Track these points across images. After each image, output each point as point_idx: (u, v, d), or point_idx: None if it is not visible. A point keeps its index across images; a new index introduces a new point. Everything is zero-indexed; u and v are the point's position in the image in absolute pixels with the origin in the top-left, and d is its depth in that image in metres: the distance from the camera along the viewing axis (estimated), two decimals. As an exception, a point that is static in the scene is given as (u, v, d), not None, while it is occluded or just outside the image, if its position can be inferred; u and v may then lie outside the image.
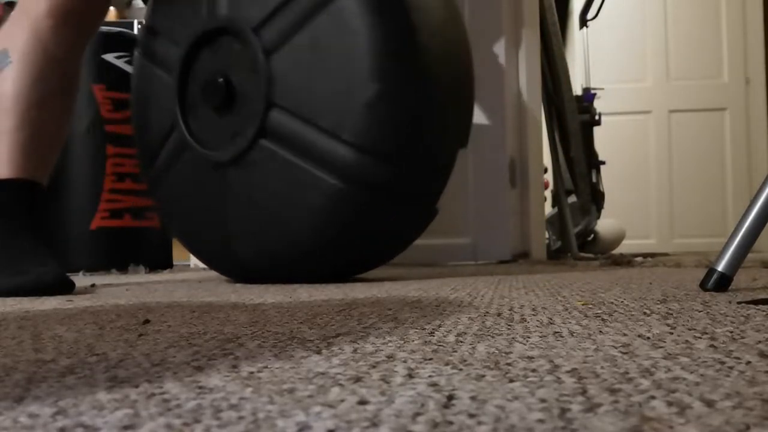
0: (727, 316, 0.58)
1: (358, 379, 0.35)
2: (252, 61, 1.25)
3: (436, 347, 0.44)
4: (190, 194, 1.37)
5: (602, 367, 0.36)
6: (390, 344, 0.46)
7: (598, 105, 3.26)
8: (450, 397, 0.30)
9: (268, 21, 1.26)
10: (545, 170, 2.83)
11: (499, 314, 0.64)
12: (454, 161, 1.35)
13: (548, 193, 3.05)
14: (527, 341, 0.46)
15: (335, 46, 1.22)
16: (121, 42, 2.16)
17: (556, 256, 2.74)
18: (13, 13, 1.26)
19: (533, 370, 0.36)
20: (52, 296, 1.04)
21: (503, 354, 0.41)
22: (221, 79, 1.27)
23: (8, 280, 1.09)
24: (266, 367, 0.39)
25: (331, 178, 1.21)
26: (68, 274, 1.15)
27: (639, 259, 2.24)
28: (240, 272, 1.37)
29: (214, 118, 1.30)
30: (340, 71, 1.22)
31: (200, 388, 0.33)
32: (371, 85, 1.20)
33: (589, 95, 3.19)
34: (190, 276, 1.75)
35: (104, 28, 2.22)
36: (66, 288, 1.09)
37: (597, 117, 3.14)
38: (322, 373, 0.36)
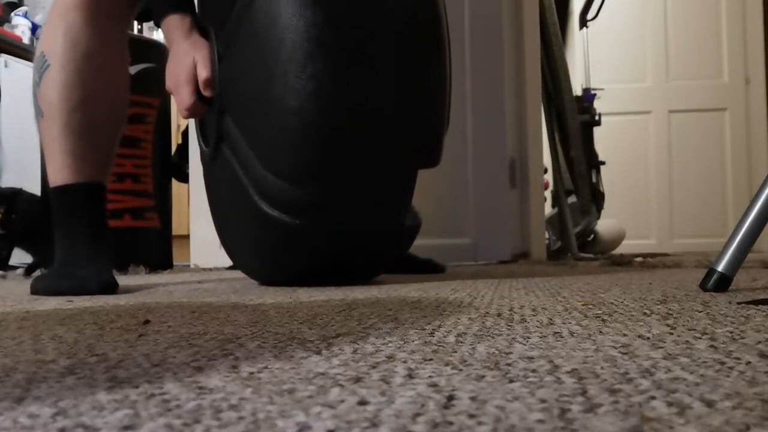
0: (727, 316, 0.58)
1: (358, 380, 0.35)
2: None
3: (436, 348, 0.44)
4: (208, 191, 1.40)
5: (602, 368, 0.36)
6: (390, 345, 0.46)
7: (598, 105, 3.26)
8: (450, 398, 0.30)
9: (226, 22, 1.16)
10: (545, 170, 2.83)
11: (499, 315, 0.64)
12: (410, 182, 1.14)
13: (548, 193, 3.05)
14: (527, 342, 0.46)
15: (256, 52, 1.09)
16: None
17: (556, 256, 2.74)
18: (48, 14, 1.23)
19: (533, 371, 0.36)
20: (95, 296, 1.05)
21: (503, 354, 0.41)
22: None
23: (53, 281, 1.10)
24: (266, 367, 0.39)
25: (259, 200, 1.12)
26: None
27: (639, 259, 2.24)
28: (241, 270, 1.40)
29: (211, 119, 1.28)
30: (262, 88, 1.09)
31: (200, 388, 0.33)
32: (285, 104, 1.05)
33: (589, 95, 3.20)
34: (190, 277, 1.75)
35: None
36: (108, 291, 1.09)
37: (597, 117, 3.15)
38: (322, 374, 0.36)
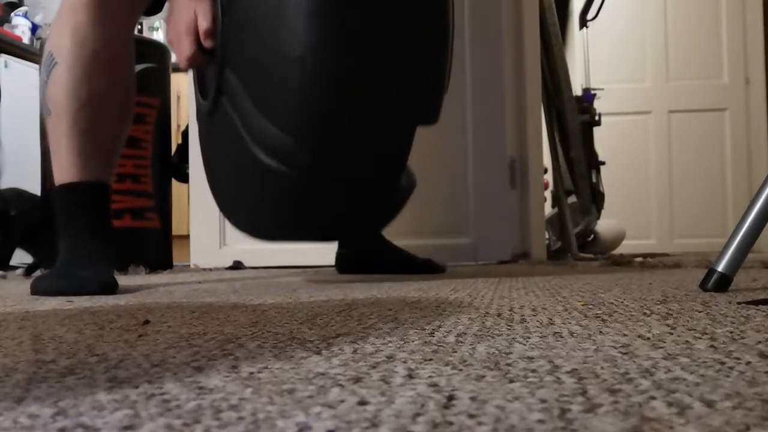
0: (727, 316, 0.58)
1: (358, 380, 0.35)
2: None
3: (436, 348, 0.44)
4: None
5: (602, 368, 0.36)
6: (390, 345, 0.46)
7: (598, 105, 3.26)
8: (450, 398, 0.30)
9: None
10: (545, 170, 2.83)
11: (499, 315, 0.64)
12: (409, 139, 1.16)
13: (548, 194, 3.05)
14: (527, 342, 0.46)
15: (262, 3, 1.10)
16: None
17: (556, 256, 2.74)
18: (56, 14, 1.25)
19: (533, 371, 0.36)
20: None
21: (503, 354, 0.41)
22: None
23: (53, 282, 1.10)
24: (266, 367, 0.39)
25: (259, 152, 1.12)
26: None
27: (639, 259, 2.24)
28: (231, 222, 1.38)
29: (211, 71, 1.25)
30: (268, 38, 1.09)
31: (200, 388, 0.33)
32: (289, 54, 1.06)
33: (589, 95, 3.19)
34: (190, 277, 1.75)
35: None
36: (108, 292, 1.08)
37: (597, 117, 3.14)
38: (322, 374, 0.36)
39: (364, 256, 1.66)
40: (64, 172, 1.19)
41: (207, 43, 1.16)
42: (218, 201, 1.36)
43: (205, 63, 1.20)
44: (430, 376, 0.35)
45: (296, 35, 1.06)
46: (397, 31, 1.10)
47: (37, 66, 2.35)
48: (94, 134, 1.19)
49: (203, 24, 1.16)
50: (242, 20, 1.14)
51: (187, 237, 2.42)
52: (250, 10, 1.13)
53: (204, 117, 1.31)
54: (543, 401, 0.29)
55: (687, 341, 0.45)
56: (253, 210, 1.24)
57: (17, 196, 2.15)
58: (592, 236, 3.08)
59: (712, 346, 0.43)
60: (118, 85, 1.23)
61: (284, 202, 1.16)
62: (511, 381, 0.34)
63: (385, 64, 1.10)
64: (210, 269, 2.18)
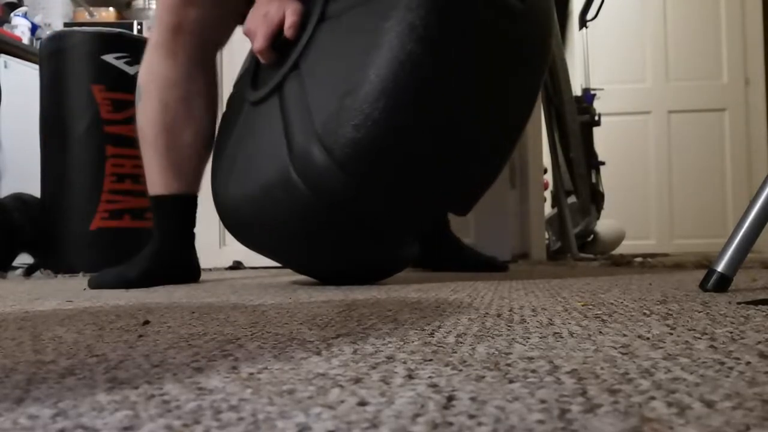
0: (726, 316, 0.58)
1: (357, 380, 0.35)
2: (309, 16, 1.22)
3: (435, 348, 0.44)
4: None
5: (602, 368, 0.36)
6: (390, 345, 0.46)
7: (598, 105, 3.26)
8: (450, 398, 0.30)
9: None
10: (545, 171, 2.83)
11: (498, 315, 0.64)
12: (433, 220, 1.18)
13: (548, 194, 3.05)
14: (527, 342, 0.46)
15: (359, 42, 1.10)
16: (121, 43, 2.15)
17: (556, 256, 2.74)
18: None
19: (533, 371, 0.36)
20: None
21: (503, 355, 0.41)
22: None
23: (149, 277, 1.36)
24: (266, 368, 0.39)
25: (290, 164, 1.11)
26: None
27: (639, 259, 2.24)
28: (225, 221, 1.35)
29: (276, 69, 1.27)
30: (351, 72, 1.09)
31: (200, 389, 0.33)
32: (369, 104, 1.06)
33: (588, 96, 3.19)
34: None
35: (104, 29, 2.22)
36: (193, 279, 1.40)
37: (596, 117, 3.14)
38: (322, 374, 0.36)
39: (423, 252, 1.62)
40: (151, 187, 1.41)
41: (289, 33, 1.22)
42: (219, 185, 1.33)
43: (273, 60, 1.26)
44: (429, 377, 0.35)
45: (373, 92, 1.05)
46: (473, 121, 1.11)
47: (36, 66, 2.35)
48: (172, 156, 1.39)
49: (291, 17, 1.22)
50: (332, 44, 1.16)
51: (186, 237, 2.41)
52: (342, 42, 1.15)
53: (243, 103, 1.34)
54: (543, 401, 0.29)
55: (687, 341, 0.45)
56: (257, 216, 1.21)
57: (19, 201, 2.15)
58: (592, 236, 3.08)
59: (712, 346, 0.43)
60: (191, 115, 1.39)
61: (294, 223, 1.14)
62: (511, 381, 0.33)
63: (451, 148, 1.11)
64: (210, 269, 2.18)
